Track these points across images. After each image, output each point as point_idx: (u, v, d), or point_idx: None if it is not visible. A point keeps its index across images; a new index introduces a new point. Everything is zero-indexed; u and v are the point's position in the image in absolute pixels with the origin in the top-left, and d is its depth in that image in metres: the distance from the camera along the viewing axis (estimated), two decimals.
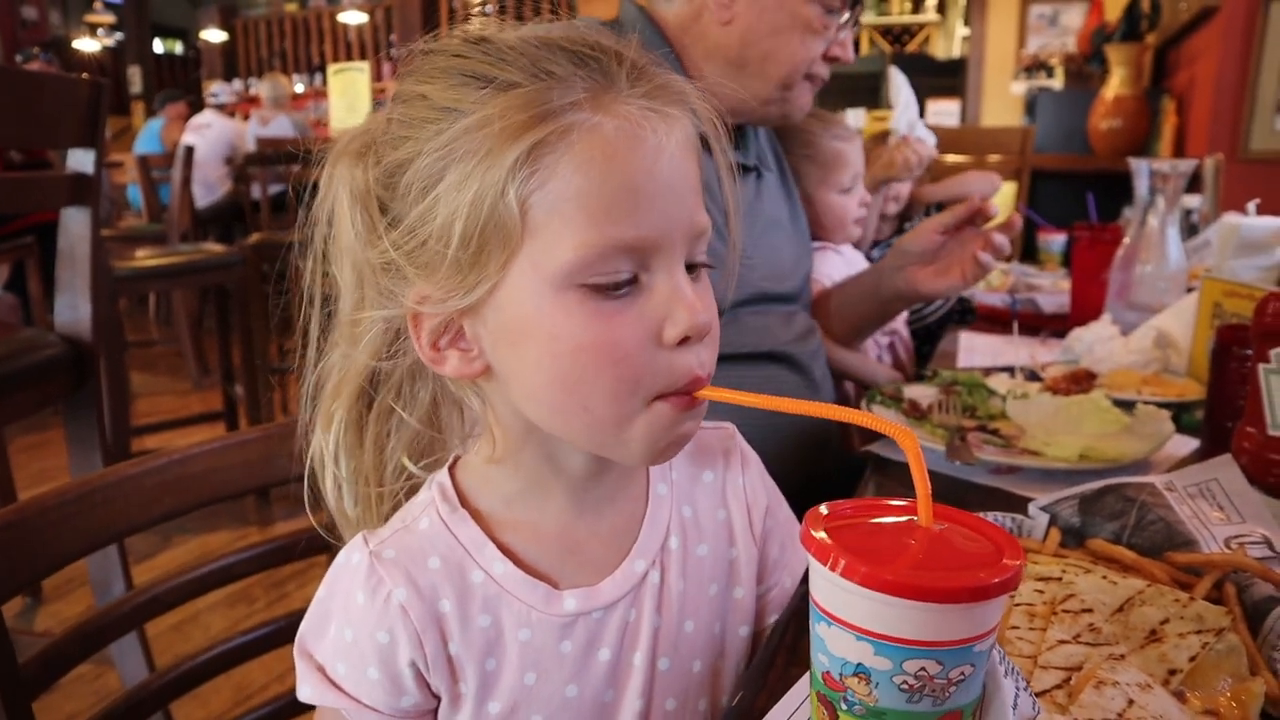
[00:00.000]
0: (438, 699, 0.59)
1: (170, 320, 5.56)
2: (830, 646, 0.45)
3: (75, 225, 1.63)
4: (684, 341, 0.52)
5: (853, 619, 0.44)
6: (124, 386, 3.01)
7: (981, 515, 0.63)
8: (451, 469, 0.63)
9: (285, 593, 2.38)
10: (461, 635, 0.57)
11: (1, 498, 2.24)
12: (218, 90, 7.27)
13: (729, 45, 1.14)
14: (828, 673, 0.45)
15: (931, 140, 1.44)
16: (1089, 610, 0.55)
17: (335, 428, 0.62)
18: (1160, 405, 1.08)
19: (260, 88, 6.73)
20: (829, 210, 1.66)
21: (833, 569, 0.44)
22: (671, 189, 0.52)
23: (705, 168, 0.57)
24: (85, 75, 1.59)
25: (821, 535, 0.45)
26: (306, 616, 0.60)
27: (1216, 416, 0.96)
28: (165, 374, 4.77)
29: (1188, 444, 1.03)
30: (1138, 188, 1.45)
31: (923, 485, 0.47)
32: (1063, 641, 0.53)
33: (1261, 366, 0.80)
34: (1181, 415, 1.11)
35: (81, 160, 1.62)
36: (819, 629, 0.46)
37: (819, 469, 1.21)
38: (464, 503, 0.61)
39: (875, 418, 0.50)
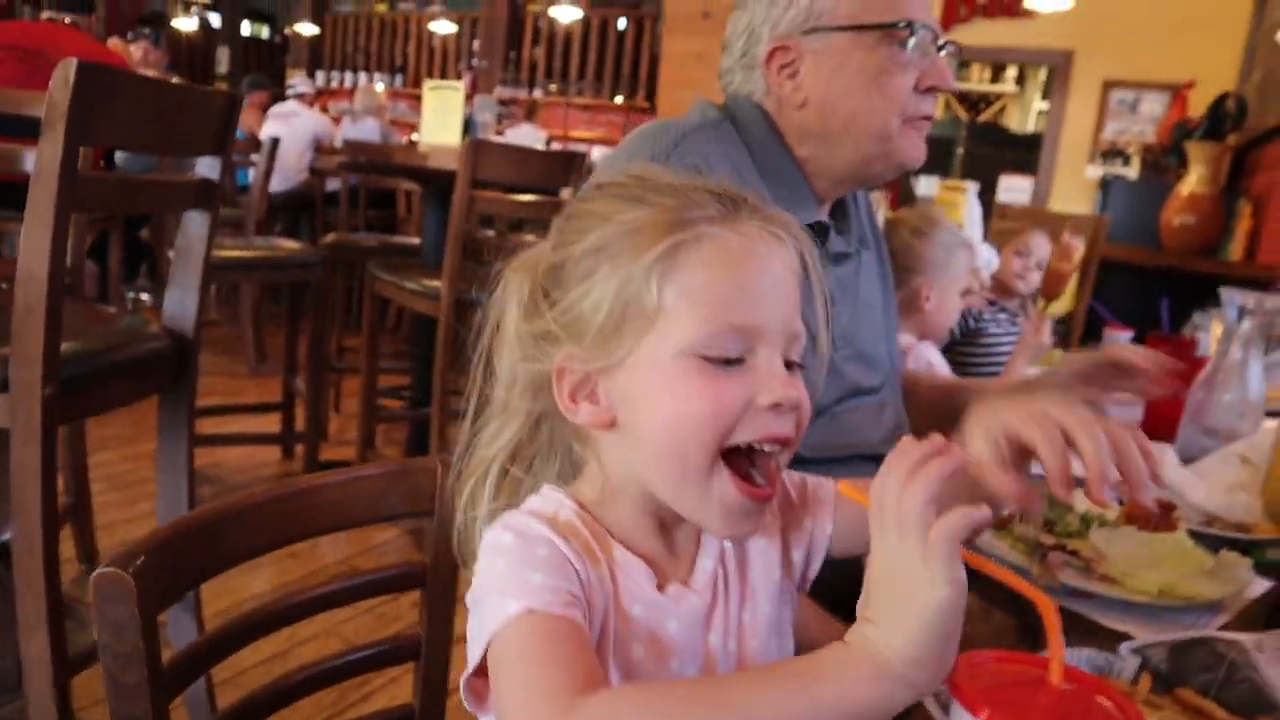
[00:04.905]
0: None
1: (230, 302, 5.69)
2: None
3: (196, 227, 1.72)
4: (775, 408, 0.62)
5: None
6: (194, 369, 3.09)
7: (1077, 653, 0.66)
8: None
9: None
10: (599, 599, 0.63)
11: (74, 469, 2.32)
12: (297, 82, 7.45)
13: (812, 123, 1.17)
14: None
15: (995, 263, 1.50)
16: None
17: (488, 484, 0.71)
18: (1233, 541, 1.10)
19: (358, 96, 6.98)
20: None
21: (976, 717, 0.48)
22: (775, 292, 0.65)
23: (803, 288, 0.69)
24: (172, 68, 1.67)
25: (968, 684, 0.50)
26: (471, 621, 0.62)
27: None
28: (222, 355, 4.88)
29: (1259, 584, 1.05)
30: (1227, 315, 1.48)
31: (1058, 649, 0.52)
32: None
33: None
34: (1253, 552, 1.12)
35: (210, 167, 1.71)
36: None
37: None
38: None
39: (1023, 582, 0.53)
